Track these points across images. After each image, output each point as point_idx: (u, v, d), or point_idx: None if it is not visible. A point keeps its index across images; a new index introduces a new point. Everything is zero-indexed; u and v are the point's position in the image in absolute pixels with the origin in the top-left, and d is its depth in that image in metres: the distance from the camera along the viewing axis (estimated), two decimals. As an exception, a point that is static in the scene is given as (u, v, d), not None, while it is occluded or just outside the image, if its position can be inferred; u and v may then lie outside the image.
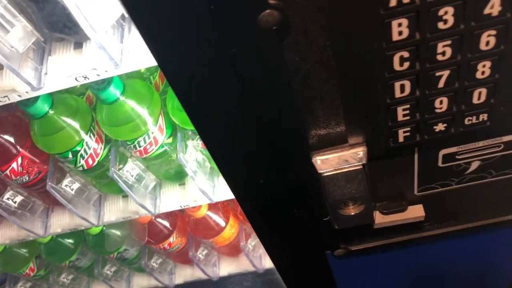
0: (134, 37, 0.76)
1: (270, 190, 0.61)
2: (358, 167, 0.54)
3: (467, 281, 0.89)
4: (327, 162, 0.55)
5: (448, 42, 0.42)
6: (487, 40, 0.42)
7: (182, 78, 0.46)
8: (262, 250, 1.39)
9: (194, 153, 0.97)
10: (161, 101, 0.93)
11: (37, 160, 1.00)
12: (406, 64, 0.44)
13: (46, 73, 0.77)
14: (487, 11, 0.39)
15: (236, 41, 0.42)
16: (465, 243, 0.77)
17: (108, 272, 1.43)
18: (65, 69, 0.77)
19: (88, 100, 1.00)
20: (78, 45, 0.78)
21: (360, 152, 0.54)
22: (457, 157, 0.58)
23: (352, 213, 0.61)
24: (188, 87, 0.47)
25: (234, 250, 1.41)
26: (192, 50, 0.43)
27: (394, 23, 0.40)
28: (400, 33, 0.41)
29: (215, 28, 0.41)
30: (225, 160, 0.57)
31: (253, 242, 1.34)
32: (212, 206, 1.25)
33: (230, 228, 1.28)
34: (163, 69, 0.44)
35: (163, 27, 0.41)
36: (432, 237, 0.72)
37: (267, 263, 1.40)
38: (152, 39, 0.42)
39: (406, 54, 0.43)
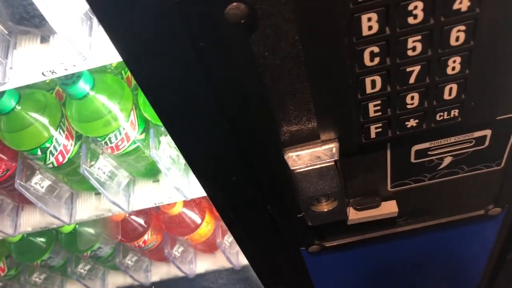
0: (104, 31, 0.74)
1: (242, 187, 0.60)
2: (331, 163, 0.54)
3: (440, 276, 0.89)
4: (299, 159, 0.54)
5: (418, 37, 0.41)
6: (457, 35, 0.42)
7: (148, 73, 0.44)
8: (238, 247, 1.38)
9: (167, 150, 0.95)
10: (133, 96, 0.91)
11: (5, 157, 0.97)
12: (377, 60, 0.43)
13: (11, 68, 0.74)
14: (456, 6, 0.39)
15: (203, 35, 0.41)
16: (437, 238, 0.77)
17: (82, 270, 1.41)
18: (31, 64, 0.74)
19: (58, 96, 0.97)
20: (45, 39, 0.75)
21: (332, 148, 0.53)
22: (429, 152, 0.58)
23: (325, 210, 0.60)
24: (154, 83, 0.45)
25: (210, 247, 1.40)
26: (157, 45, 0.41)
27: (364, 18, 0.39)
28: (370, 28, 0.40)
29: (181, 21, 0.39)
30: (195, 157, 0.56)
31: (229, 239, 1.34)
32: (188, 203, 1.23)
33: (206, 225, 1.27)
34: (127, 63, 0.43)
35: (126, 21, 0.40)
36: (406, 232, 0.72)
37: (244, 259, 1.39)
38: (115, 34, 0.41)
39: (376, 49, 0.42)
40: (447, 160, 0.60)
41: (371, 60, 0.43)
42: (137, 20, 0.40)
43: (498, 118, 0.53)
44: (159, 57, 0.42)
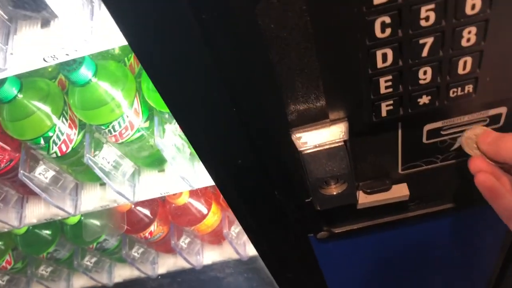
0: (105, 14, 0.73)
1: (249, 171, 0.59)
2: (340, 144, 0.52)
3: (451, 264, 0.87)
4: (307, 139, 0.52)
5: (432, 6, 0.39)
6: (473, 3, 0.40)
7: (152, 54, 0.43)
8: (245, 237, 1.37)
9: (172, 138, 0.94)
10: (136, 83, 0.90)
11: (8, 148, 0.96)
12: (388, 31, 0.41)
13: (11, 54, 0.73)
14: (473, -30, 0.37)
15: (206, 6, 0.39)
16: (450, 223, 0.75)
17: (88, 263, 1.40)
18: (32, 49, 0.73)
19: (60, 84, 0.96)
20: (46, 23, 0.73)
21: (341, 127, 0.52)
22: (442, 132, 0.56)
23: (334, 193, 0.59)
24: (158, 62, 0.43)
25: (217, 237, 1.38)
26: (160, 20, 0.39)
27: (375, -16, 0.37)
28: (381, -5, 0.38)
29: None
30: (201, 140, 0.54)
31: (236, 229, 1.32)
32: (194, 193, 1.22)
33: (212, 215, 1.26)
34: (126, 36, 0.41)
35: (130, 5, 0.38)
36: (417, 217, 0.70)
37: (251, 250, 1.38)
38: (117, 12, 0.39)
39: (387, 20, 0.40)
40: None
41: (382, 31, 0.41)
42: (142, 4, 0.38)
43: (514, 94, 0.51)
44: (161, 33, 0.41)
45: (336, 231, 0.73)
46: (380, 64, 0.44)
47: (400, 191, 0.63)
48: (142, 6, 0.39)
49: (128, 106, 0.87)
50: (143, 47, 0.42)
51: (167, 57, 0.43)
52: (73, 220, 1.23)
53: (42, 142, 0.90)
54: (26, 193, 1.12)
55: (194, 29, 0.40)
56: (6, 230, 1.16)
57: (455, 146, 0.58)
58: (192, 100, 0.48)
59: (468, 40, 0.43)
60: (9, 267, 1.37)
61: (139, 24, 0.40)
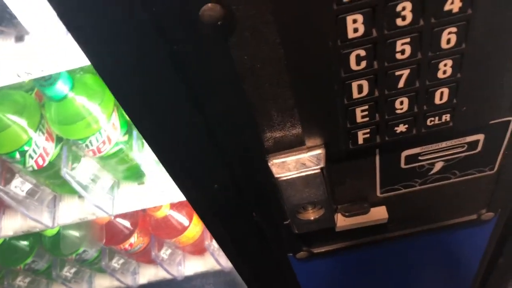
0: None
1: (225, 195, 0.58)
2: (317, 171, 0.51)
3: (431, 281, 0.88)
4: (284, 166, 0.52)
5: (407, 39, 0.39)
6: (448, 37, 0.39)
7: (120, 80, 0.41)
8: (227, 248, 1.35)
9: (151, 152, 0.92)
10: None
11: (-18, 161, 0.93)
12: (364, 63, 0.41)
13: (-16, 69, 0.71)
14: (447, 7, 0.36)
15: (178, 38, 0.38)
16: (429, 243, 0.75)
17: (68, 274, 1.37)
18: (6, 65, 0.71)
19: (37, 96, 0.94)
20: (20, 38, 0.72)
21: (318, 154, 0.51)
22: (420, 158, 0.56)
23: (312, 218, 0.58)
24: (127, 89, 0.42)
25: (199, 248, 1.37)
26: (129, 50, 0.38)
27: (349, 19, 0.37)
28: (356, 30, 0.37)
29: (156, 27, 0.36)
30: (174, 165, 0.53)
31: (218, 240, 1.31)
32: (174, 205, 1.20)
33: (194, 227, 1.24)
34: (99, 73, 0.40)
35: (94, 24, 0.37)
36: (396, 237, 0.70)
37: (233, 261, 1.37)
38: (82, 37, 0.38)
39: (363, 53, 0.40)
40: (439, 165, 0.58)
41: (358, 64, 0.41)
42: (105, 23, 0.37)
43: (491, 122, 0.51)
44: (131, 63, 0.39)
45: (315, 251, 0.72)
46: (356, 95, 0.44)
47: (379, 214, 0.63)
48: (113, 40, 0.37)
49: (106, 120, 0.85)
50: (114, 80, 0.41)
51: (138, 85, 0.42)
52: (51, 232, 1.20)
53: (17, 156, 0.88)
54: (3, 205, 1.10)
55: (165, 60, 0.39)
56: (-19, 242, 1.14)
57: (434, 171, 0.58)
58: (165, 127, 0.47)
59: (444, 72, 0.43)
60: (-15, 278, 1.34)
61: (107, 55, 0.39)
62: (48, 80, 0.77)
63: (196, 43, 0.38)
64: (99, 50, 0.39)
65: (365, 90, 0.43)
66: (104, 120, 0.85)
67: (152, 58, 0.39)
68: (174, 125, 0.46)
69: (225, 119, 0.46)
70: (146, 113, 0.45)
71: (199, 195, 0.58)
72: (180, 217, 1.22)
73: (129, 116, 0.45)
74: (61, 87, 0.78)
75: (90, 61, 0.39)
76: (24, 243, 1.27)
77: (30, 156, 0.89)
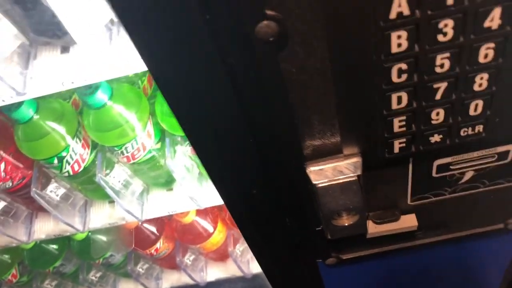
0: (124, 40, 0.74)
1: (262, 200, 0.60)
2: (353, 178, 0.54)
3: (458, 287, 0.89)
4: (321, 173, 0.54)
5: (447, 54, 0.41)
6: (486, 53, 0.42)
7: (175, 89, 0.44)
8: (250, 255, 1.38)
9: (183, 159, 0.95)
10: (149, 105, 0.91)
11: (21, 166, 0.97)
12: (404, 76, 0.43)
13: (31, 78, 0.75)
14: (487, 24, 0.39)
15: (232, 52, 0.41)
16: (456, 251, 0.76)
17: (93, 278, 1.40)
18: (51, 74, 0.75)
19: (74, 104, 0.98)
20: (65, 49, 0.76)
21: (355, 162, 0.53)
22: (451, 167, 0.58)
23: (346, 224, 0.60)
24: (181, 97, 0.45)
25: (222, 255, 1.39)
26: (187, 61, 0.41)
27: (394, 35, 0.39)
28: (399, 45, 0.40)
29: (211, 38, 0.39)
30: (217, 170, 0.56)
31: (241, 248, 1.33)
32: (200, 212, 1.23)
33: (218, 233, 1.27)
34: (157, 80, 0.43)
35: (156, 36, 0.40)
36: (424, 245, 0.72)
37: (255, 268, 1.39)
38: (143, 48, 0.41)
39: (404, 66, 0.42)
40: (469, 175, 0.60)
41: (399, 76, 0.43)
42: (166, 36, 0.40)
43: (522, 133, 0.53)
44: (187, 73, 0.42)
45: (344, 258, 0.74)
46: (394, 106, 0.46)
47: (409, 221, 0.65)
48: (171, 47, 0.40)
49: (141, 128, 0.89)
50: (169, 85, 0.44)
51: (192, 95, 0.45)
52: (80, 236, 1.24)
53: (55, 161, 0.91)
54: (36, 209, 1.14)
55: (220, 68, 0.42)
56: (14, 244, 1.18)
57: (464, 180, 0.60)
58: (212, 134, 0.50)
59: (480, 85, 0.45)
60: (14, 280, 1.38)
61: (166, 64, 0.42)
62: (89, 89, 0.80)
63: (249, 56, 0.41)
64: (159, 58, 0.41)
65: (404, 102, 0.46)
66: (139, 128, 0.88)
67: (208, 69, 0.42)
68: (221, 132, 0.49)
69: (269, 128, 0.49)
70: (196, 120, 0.48)
71: (238, 199, 0.60)
72: (205, 224, 1.24)
73: (179, 121, 0.48)
74: (101, 96, 0.82)
75: (148, 67, 0.42)
76: (54, 246, 1.31)
77: (67, 162, 0.92)
